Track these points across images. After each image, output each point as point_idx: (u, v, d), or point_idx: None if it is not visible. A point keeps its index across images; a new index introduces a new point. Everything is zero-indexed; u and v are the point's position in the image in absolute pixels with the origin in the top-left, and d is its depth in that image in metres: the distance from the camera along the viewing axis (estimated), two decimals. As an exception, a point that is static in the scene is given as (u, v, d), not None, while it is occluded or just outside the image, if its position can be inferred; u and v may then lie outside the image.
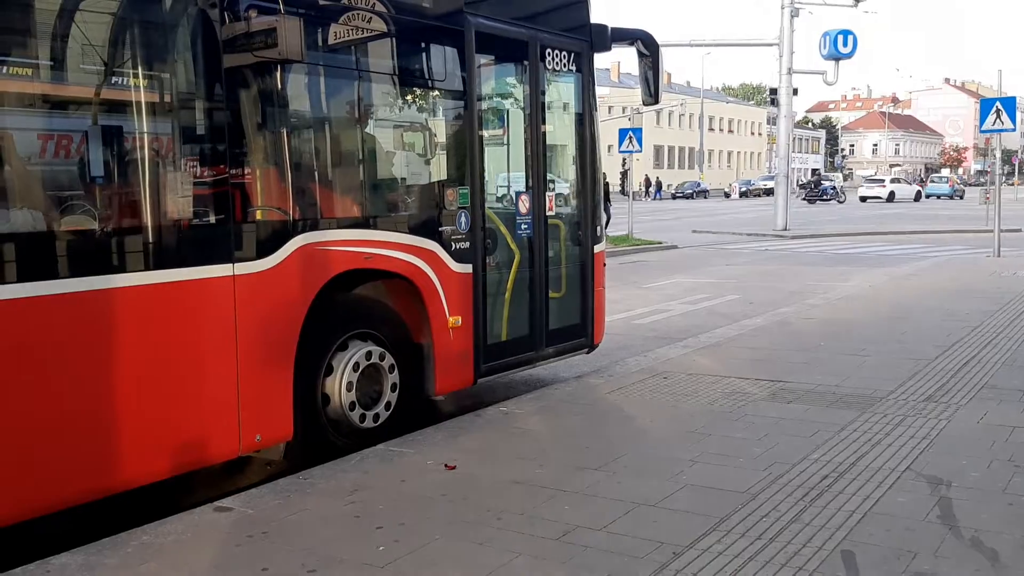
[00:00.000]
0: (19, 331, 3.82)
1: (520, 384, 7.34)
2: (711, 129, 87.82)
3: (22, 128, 4.16)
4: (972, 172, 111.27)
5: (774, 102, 29.84)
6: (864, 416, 5.73)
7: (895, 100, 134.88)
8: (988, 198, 24.29)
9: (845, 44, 25.79)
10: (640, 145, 22.08)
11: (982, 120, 17.36)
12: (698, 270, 17.02)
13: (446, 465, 4.88)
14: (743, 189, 66.67)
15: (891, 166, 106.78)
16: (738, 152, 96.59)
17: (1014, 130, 17.51)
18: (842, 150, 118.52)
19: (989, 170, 38.86)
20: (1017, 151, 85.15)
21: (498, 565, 3.60)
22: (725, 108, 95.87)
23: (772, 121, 29.36)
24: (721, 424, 5.66)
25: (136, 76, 4.49)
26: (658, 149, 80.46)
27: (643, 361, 7.74)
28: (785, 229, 27.05)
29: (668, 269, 17.18)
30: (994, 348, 7.93)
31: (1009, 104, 17.10)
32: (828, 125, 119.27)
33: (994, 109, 16.96)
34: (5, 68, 4.11)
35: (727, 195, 67.03)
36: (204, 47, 4.60)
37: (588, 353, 7.52)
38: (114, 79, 4.51)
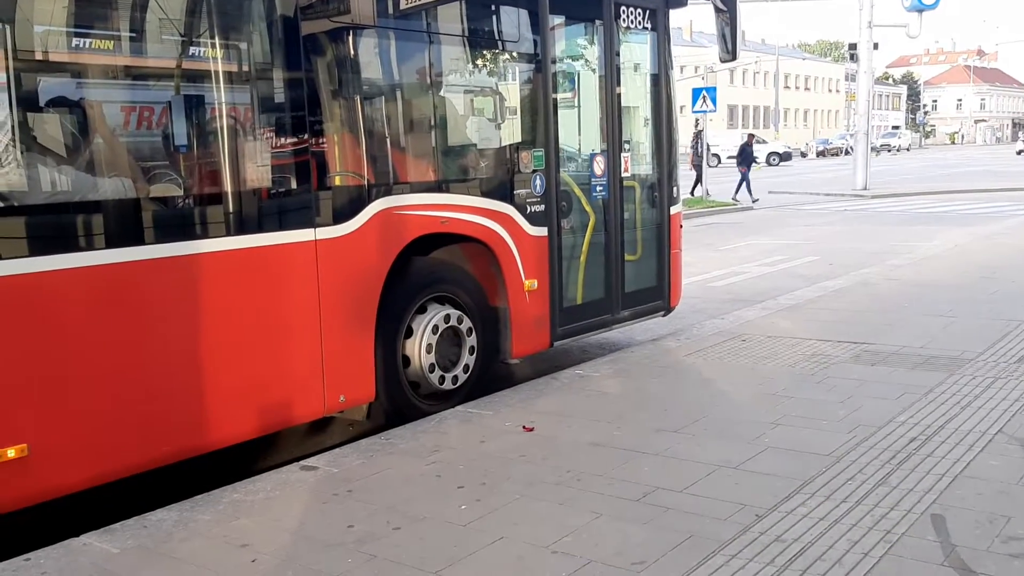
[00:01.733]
0: (124, 293, 4.01)
1: (595, 347, 7.34)
2: (787, 87, 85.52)
3: (119, 101, 4.32)
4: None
5: (853, 58, 28.83)
6: (952, 378, 5.57)
7: (980, 53, 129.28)
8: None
9: (929, -6, 24.76)
10: (715, 104, 21.67)
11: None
12: (775, 231, 16.69)
13: (524, 427, 4.91)
14: (820, 148, 64.90)
15: (976, 122, 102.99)
16: (815, 111, 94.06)
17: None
18: (924, 106, 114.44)
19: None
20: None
21: (580, 525, 3.61)
22: (801, 65, 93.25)
23: (850, 77, 28.30)
24: (803, 386, 5.57)
25: (220, 48, 4.54)
26: (732, 108, 78.85)
27: (720, 324, 7.64)
28: (865, 188, 26.28)
29: (744, 231, 16.89)
30: (1090, 308, 7.63)
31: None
32: (910, 80, 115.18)
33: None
34: (98, 45, 4.21)
35: (803, 155, 65.37)
36: (282, 16, 4.64)
37: (664, 316, 7.51)
38: (198, 51, 4.57)
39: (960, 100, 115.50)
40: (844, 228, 17.16)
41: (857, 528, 3.48)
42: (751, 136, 25.91)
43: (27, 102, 3.85)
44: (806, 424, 4.81)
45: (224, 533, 3.67)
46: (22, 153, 3.81)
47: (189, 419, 4.27)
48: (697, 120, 26.22)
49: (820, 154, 63.50)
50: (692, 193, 23.71)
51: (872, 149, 52.28)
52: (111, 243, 3.95)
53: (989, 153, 65.51)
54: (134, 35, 4.37)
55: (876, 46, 28.15)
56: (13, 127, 3.73)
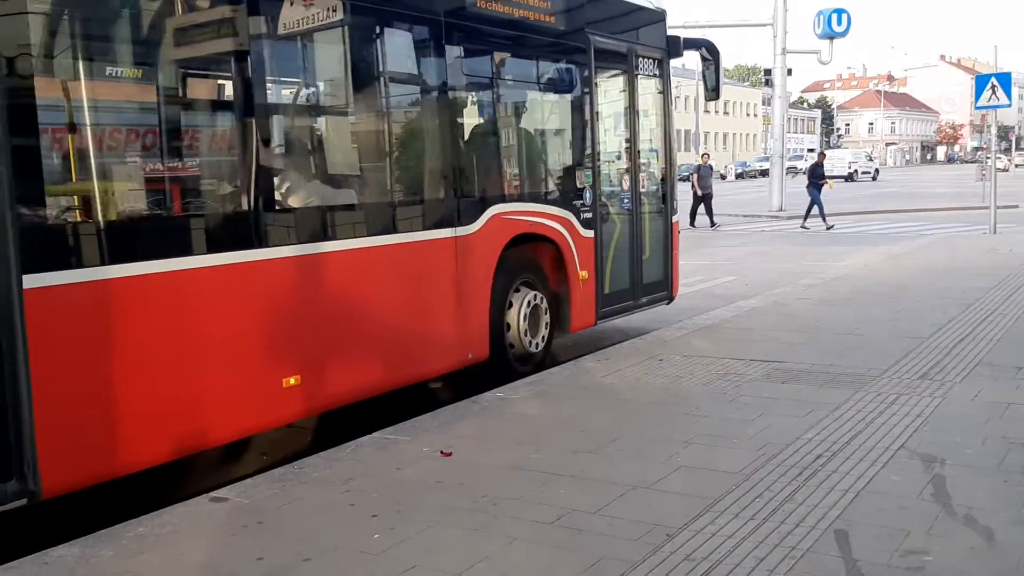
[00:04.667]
0: (357, 271, 5.54)
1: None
2: (707, 111, 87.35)
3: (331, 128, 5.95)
4: (969, 149, 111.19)
5: (769, 83, 29.72)
6: (858, 395, 5.75)
7: (890, 78, 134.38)
8: (984, 175, 24.27)
9: (839, 23, 25.71)
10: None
11: (977, 96, 17.31)
12: (694, 252, 16.97)
13: (442, 452, 4.89)
14: (739, 171, 66.50)
15: (887, 144, 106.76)
16: (734, 134, 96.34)
17: (1009, 106, 17.47)
18: (838, 129, 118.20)
19: (985, 147, 38.80)
20: (1014, 127, 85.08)
21: (494, 551, 3.61)
22: (720, 89, 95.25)
23: (767, 102, 29.18)
24: (716, 405, 5.68)
25: (400, 84, 6.21)
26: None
27: (638, 344, 7.75)
28: (781, 210, 26.98)
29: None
30: (989, 325, 7.95)
31: (1004, 80, 17.07)
32: (824, 105, 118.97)
33: (989, 85, 16.93)
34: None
35: (723, 176, 66.87)
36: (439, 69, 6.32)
37: (668, 304, 8.98)
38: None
39: (872, 124, 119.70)
40: (761, 248, 17.59)
41: (764, 545, 3.55)
42: (822, 155, 24.56)
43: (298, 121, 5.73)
44: (718, 442, 4.90)
45: (128, 569, 3.57)
46: (285, 167, 5.36)
47: (397, 357, 5.83)
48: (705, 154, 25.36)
49: (739, 176, 65.08)
50: (692, 223, 22.18)
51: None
52: (347, 236, 5.50)
53: (900, 174, 67.96)
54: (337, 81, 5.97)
55: (790, 72, 29.07)
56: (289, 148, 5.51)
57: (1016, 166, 64.38)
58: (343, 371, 5.40)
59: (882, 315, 8.66)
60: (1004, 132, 73.65)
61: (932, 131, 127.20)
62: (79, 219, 4.24)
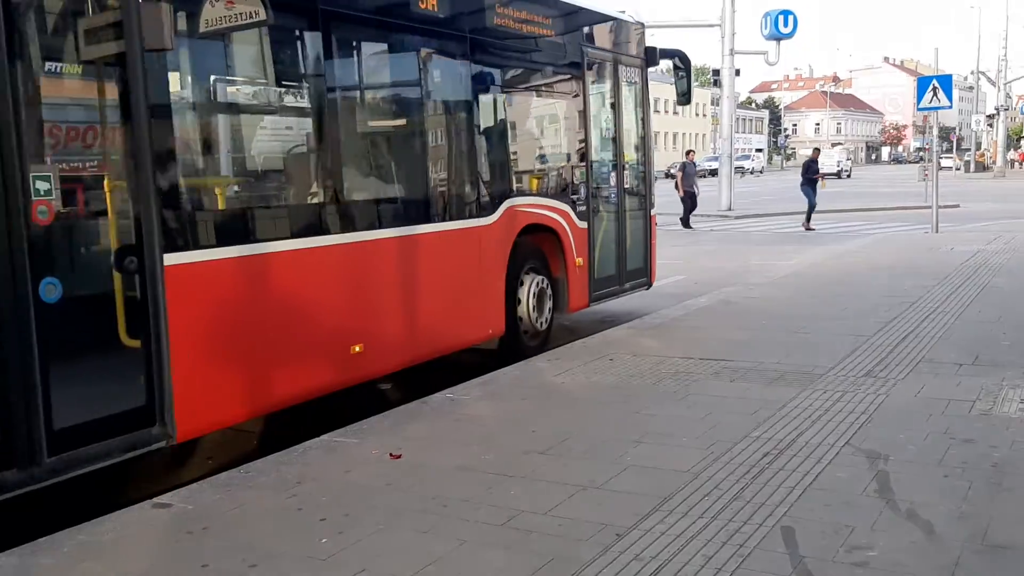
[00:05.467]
0: (403, 256, 6.39)
1: (468, 370, 7.32)
2: (656, 111, 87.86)
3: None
4: (912, 149, 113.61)
5: (717, 83, 30.00)
6: (804, 393, 5.82)
7: (836, 79, 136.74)
8: (926, 175, 24.79)
9: (786, 24, 25.97)
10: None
11: (919, 98, 17.67)
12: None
13: (391, 454, 4.85)
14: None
15: (833, 145, 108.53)
16: (683, 134, 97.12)
17: (950, 107, 17.84)
18: (785, 130, 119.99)
19: (928, 147, 39.65)
20: (954, 128, 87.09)
21: (443, 553, 3.58)
22: (670, 89, 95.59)
23: (715, 102, 29.46)
24: (665, 404, 5.72)
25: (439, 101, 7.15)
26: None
27: (589, 343, 7.77)
28: (730, 209, 27.26)
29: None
30: (931, 322, 8.11)
31: (945, 82, 17.45)
32: (771, 105, 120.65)
33: (931, 87, 17.29)
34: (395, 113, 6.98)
35: (669, 175, 67.40)
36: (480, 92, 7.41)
37: (647, 289, 9.85)
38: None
39: (818, 124, 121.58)
40: (710, 248, 17.77)
41: (712, 543, 3.58)
42: (816, 151, 23.20)
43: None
44: (667, 441, 4.93)
45: (67, 579, 3.48)
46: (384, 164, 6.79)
47: (438, 330, 6.70)
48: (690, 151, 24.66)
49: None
50: (688, 224, 21.78)
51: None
52: (401, 225, 6.36)
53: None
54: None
55: (738, 72, 29.31)
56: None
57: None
58: (395, 341, 6.27)
59: (828, 313, 8.80)
60: (945, 133, 75.35)
61: (877, 132, 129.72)
62: (204, 210, 5.06)
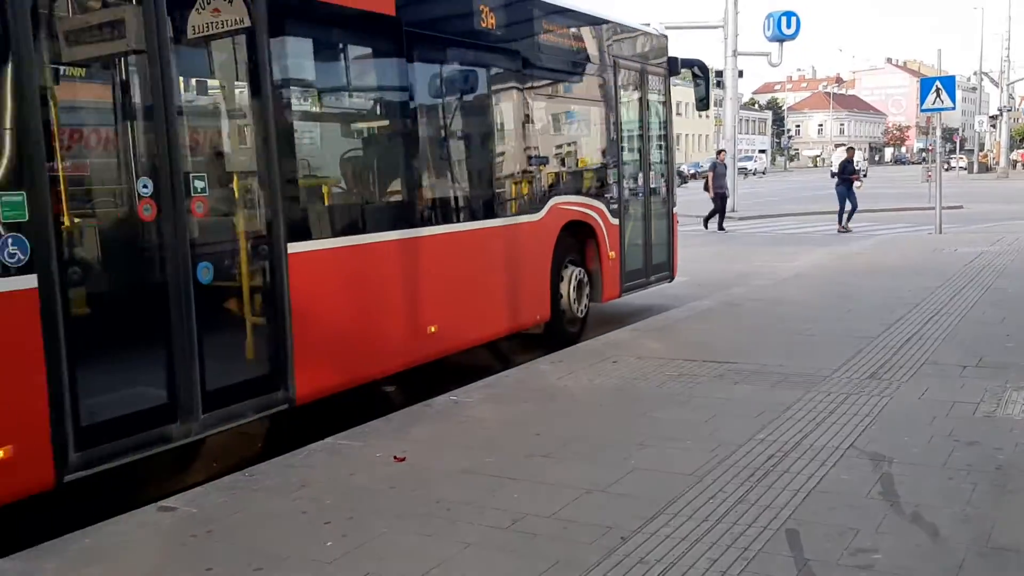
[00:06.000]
0: (470, 247, 7.24)
1: (471, 373, 7.33)
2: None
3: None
4: (915, 150, 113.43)
5: (720, 84, 29.97)
6: (808, 395, 5.82)
7: (839, 80, 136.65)
8: (930, 176, 24.75)
9: (789, 25, 25.99)
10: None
11: (922, 99, 17.63)
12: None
13: (395, 457, 4.86)
14: (692, 171, 67.06)
15: (836, 146, 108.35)
16: (686, 135, 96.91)
17: (953, 108, 17.82)
18: (788, 131, 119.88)
19: (931, 148, 39.59)
20: (957, 129, 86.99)
21: (448, 556, 3.59)
22: (672, 91, 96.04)
23: (719, 103, 29.47)
24: (669, 407, 5.71)
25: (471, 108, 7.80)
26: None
27: (592, 345, 7.77)
28: (733, 210, 27.20)
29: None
30: (935, 324, 8.10)
31: (948, 83, 17.41)
32: (774, 106, 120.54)
33: (934, 88, 17.24)
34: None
35: (679, 175, 67.40)
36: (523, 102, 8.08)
37: (670, 282, 10.67)
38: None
39: (821, 125, 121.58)
40: (714, 249, 17.76)
41: (717, 547, 3.58)
42: (851, 150, 22.47)
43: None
44: (671, 444, 4.93)
45: (73, 582, 3.49)
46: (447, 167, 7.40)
47: (498, 313, 7.53)
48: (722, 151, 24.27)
49: (692, 176, 65.60)
50: (721, 227, 21.67)
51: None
52: (470, 219, 7.32)
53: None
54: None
55: (741, 73, 29.33)
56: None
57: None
58: (462, 323, 6.99)
59: (832, 315, 8.79)
60: (949, 134, 75.28)
61: (880, 132, 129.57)
62: (317, 207, 5.87)
